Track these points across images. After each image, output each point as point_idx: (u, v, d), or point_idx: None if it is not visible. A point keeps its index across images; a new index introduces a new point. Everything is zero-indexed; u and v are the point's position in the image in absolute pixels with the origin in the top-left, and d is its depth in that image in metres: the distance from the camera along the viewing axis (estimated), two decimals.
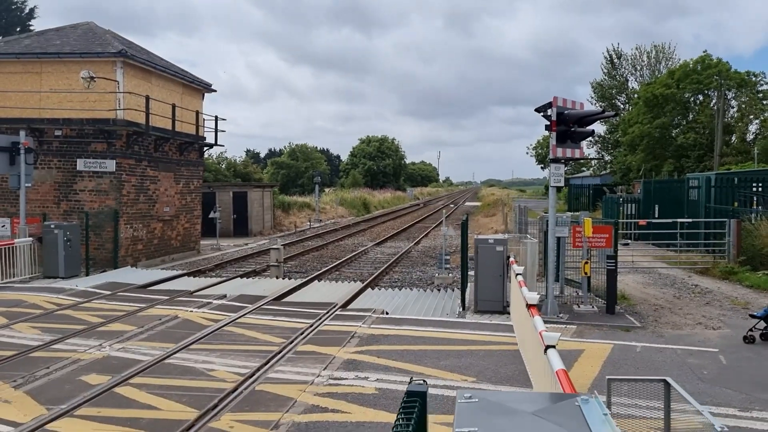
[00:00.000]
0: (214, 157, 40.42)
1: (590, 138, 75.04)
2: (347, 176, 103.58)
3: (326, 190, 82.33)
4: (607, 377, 3.73)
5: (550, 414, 2.80)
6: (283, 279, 18.81)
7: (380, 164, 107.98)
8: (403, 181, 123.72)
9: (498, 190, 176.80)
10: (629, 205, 29.53)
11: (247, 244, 30.12)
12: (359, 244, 30.13)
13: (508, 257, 12.64)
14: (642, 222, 21.27)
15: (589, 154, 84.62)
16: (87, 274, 18.35)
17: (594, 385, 7.87)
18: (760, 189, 22.06)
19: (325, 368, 9.15)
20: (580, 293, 13.67)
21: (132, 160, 20.30)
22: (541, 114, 11.91)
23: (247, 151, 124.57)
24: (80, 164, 19.73)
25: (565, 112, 11.82)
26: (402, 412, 2.03)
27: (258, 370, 9.11)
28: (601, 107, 71.19)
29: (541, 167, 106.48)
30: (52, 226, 17.65)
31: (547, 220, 13.44)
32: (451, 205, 79.85)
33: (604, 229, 13.36)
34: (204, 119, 25.08)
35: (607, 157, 70.98)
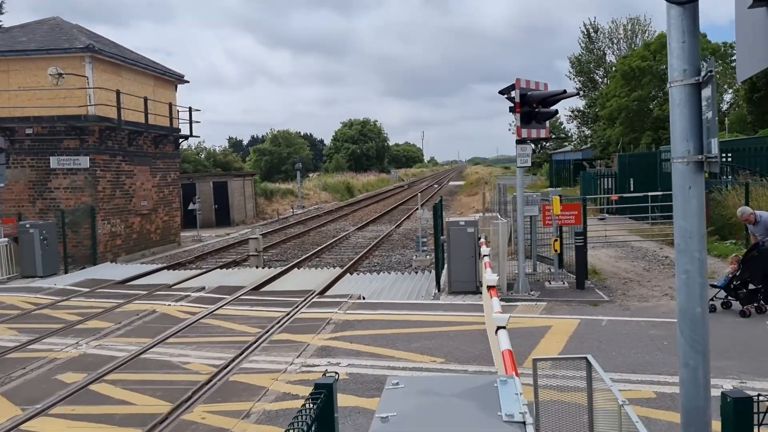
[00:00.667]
0: (194, 147, 40.31)
1: (571, 113, 75.04)
2: (331, 161, 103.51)
3: (310, 175, 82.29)
4: (533, 358, 3.92)
5: (469, 396, 2.99)
6: (263, 268, 18.94)
7: (363, 147, 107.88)
8: (387, 163, 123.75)
9: (483, 168, 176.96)
10: (606, 179, 29.87)
11: (228, 234, 30.16)
12: (341, 229, 30.28)
13: (479, 238, 12.84)
14: (614, 197, 21.60)
15: (569, 130, 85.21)
16: (66, 272, 18.38)
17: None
18: (730, 159, 22.40)
19: (298, 356, 9.33)
20: (553, 270, 13.93)
21: (106, 156, 20.26)
22: (505, 96, 12.06)
23: (230, 139, 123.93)
24: (54, 162, 19.67)
25: (528, 93, 11.97)
26: (305, 404, 2.19)
27: (232, 361, 9.27)
28: (579, 81, 71.65)
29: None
30: (28, 225, 17.63)
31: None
32: (435, 185, 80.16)
33: (573, 206, 13.60)
34: (178, 111, 25.00)
35: (587, 132, 71.38)
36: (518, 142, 12.38)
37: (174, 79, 24.61)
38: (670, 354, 8.24)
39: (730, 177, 21.50)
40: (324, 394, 2.25)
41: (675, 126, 3.21)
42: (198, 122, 27.90)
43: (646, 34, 64.59)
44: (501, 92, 12.14)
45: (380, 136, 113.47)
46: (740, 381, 7.35)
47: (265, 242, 25.99)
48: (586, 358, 3.67)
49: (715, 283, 10.63)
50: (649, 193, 18.95)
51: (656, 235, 18.89)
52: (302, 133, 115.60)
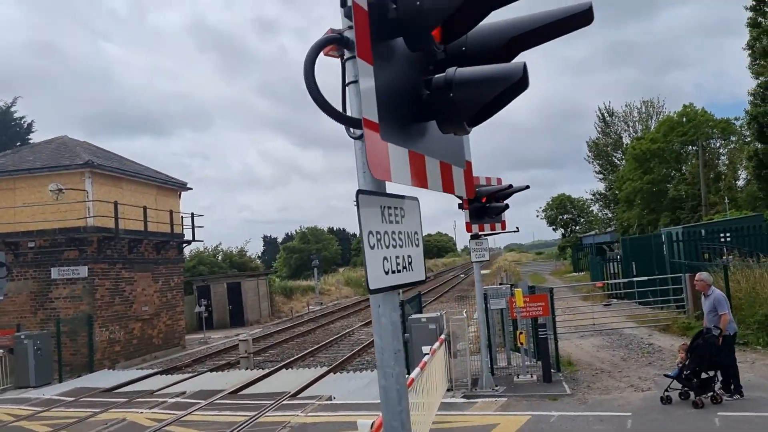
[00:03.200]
0: (210, 249, 41.31)
1: (593, 196, 74.68)
2: (359, 254, 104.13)
3: (340, 270, 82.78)
4: None
5: None
6: (253, 369, 18.98)
7: None
8: None
9: (517, 254, 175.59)
10: (612, 263, 29.50)
11: (238, 335, 30.29)
12: (347, 326, 30.23)
13: (441, 335, 12.79)
14: (599, 284, 21.30)
15: (595, 212, 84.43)
16: (60, 381, 18.68)
17: None
18: (728, 239, 22.05)
19: None
20: (528, 362, 13.68)
21: (105, 264, 21.00)
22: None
23: (265, 238, 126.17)
24: (54, 273, 20.46)
25: (477, 189, 12.23)
26: None
27: None
28: (597, 165, 72.00)
29: (553, 229, 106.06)
30: (23, 336, 18.16)
31: (484, 293, 13.64)
32: (462, 275, 79.62)
33: (540, 297, 13.52)
34: (182, 217, 25.92)
35: (609, 214, 70.95)
36: (472, 237, 12.54)
37: (177, 187, 25.71)
38: None
39: (730, 258, 21.11)
40: None
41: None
42: (201, 227, 28.80)
43: (660, 116, 65.17)
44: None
45: None
46: None
47: (267, 342, 26.15)
48: None
49: (669, 374, 10.35)
50: (635, 278, 18.67)
51: (649, 321, 18.45)
52: (334, 228, 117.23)
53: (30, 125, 40.24)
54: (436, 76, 2.98)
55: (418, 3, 2.63)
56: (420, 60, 3.01)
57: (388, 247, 3.07)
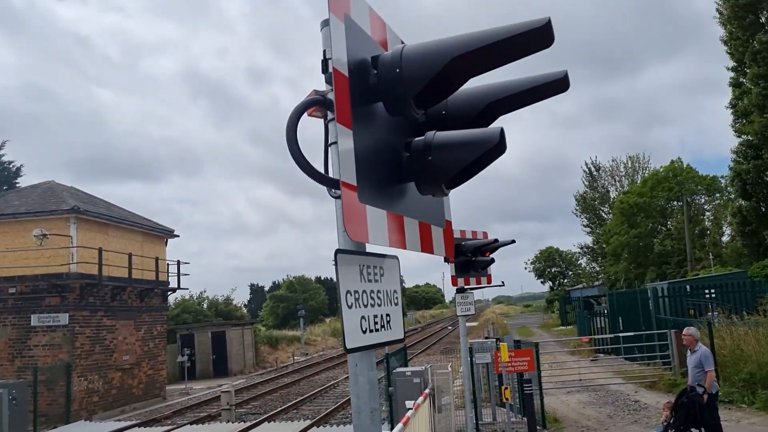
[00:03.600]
0: (195, 297, 40.89)
1: (581, 249, 74.88)
2: None
3: (327, 320, 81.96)
4: None
5: None
6: (235, 422, 18.57)
7: None
8: (406, 305, 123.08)
9: (505, 306, 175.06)
10: (600, 318, 29.44)
11: (221, 386, 29.75)
12: (333, 378, 29.76)
13: (425, 389, 12.63)
14: (584, 339, 21.23)
15: (583, 265, 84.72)
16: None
17: None
18: (713, 296, 22.14)
19: None
20: (513, 418, 13.49)
21: (86, 312, 20.71)
22: None
23: (251, 286, 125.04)
24: (34, 320, 20.13)
25: (462, 243, 12.28)
26: None
27: None
28: (585, 218, 72.67)
29: (541, 282, 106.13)
30: None
31: (469, 347, 13.56)
32: (449, 327, 79.00)
33: (525, 352, 13.43)
34: (168, 264, 25.73)
35: (597, 268, 71.21)
36: (458, 291, 12.53)
37: (163, 234, 25.60)
38: None
39: (715, 314, 21.14)
40: None
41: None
42: (186, 275, 28.59)
43: (646, 171, 66.16)
44: None
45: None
46: None
47: (251, 393, 25.68)
48: None
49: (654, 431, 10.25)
50: (621, 334, 18.63)
51: (636, 377, 18.33)
52: (322, 278, 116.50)
53: (18, 169, 40.22)
54: (416, 139, 3.05)
55: (397, 71, 2.71)
56: (401, 123, 3.08)
57: (366, 306, 3.07)
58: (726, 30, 34.72)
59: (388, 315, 3.34)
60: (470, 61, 2.68)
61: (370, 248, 3.02)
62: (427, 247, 3.42)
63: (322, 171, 2.86)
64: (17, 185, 39.85)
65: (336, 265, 2.81)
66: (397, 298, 3.57)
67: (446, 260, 12.45)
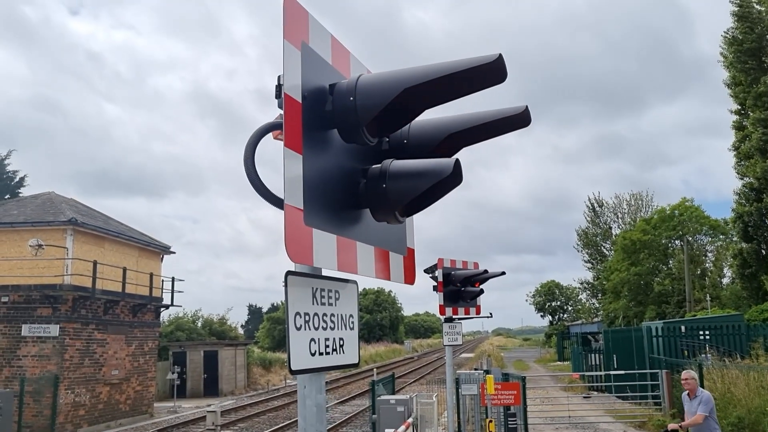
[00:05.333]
0: (189, 315, 40.75)
1: (581, 284, 74.61)
2: None
3: None
4: None
5: None
6: None
7: (377, 317, 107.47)
8: (404, 333, 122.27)
9: (504, 338, 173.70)
10: (594, 354, 29.21)
11: (210, 405, 29.49)
12: None
13: (409, 417, 12.54)
14: (575, 375, 21.06)
15: (583, 301, 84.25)
16: None
17: None
18: (707, 337, 21.99)
19: None
20: None
21: (78, 324, 20.67)
22: (429, 275, 12.39)
23: (250, 306, 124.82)
24: (25, 330, 20.11)
25: (452, 273, 12.29)
26: None
27: None
28: (587, 254, 72.40)
29: (541, 315, 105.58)
30: None
31: (456, 378, 13.49)
32: (444, 358, 78.40)
33: (512, 385, 13.35)
34: (162, 281, 25.74)
35: (597, 304, 70.80)
36: (446, 320, 12.52)
37: (159, 250, 25.65)
38: None
39: (708, 356, 20.98)
40: None
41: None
42: (181, 292, 28.62)
43: (649, 209, 66.05)
44: (426, 271, 12.49)
45: (394, 306, 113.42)
46: None
47: (239, 414, 25.50)
48: None
49: None
50: (612, 372, 18.49)
51: (625, 417, 18.14)
52: None
53: (22, 179, 40.47)
54: (373, 166, 3.09)
55: (351, 99, 2.77)
56: (360, 150, 3.13)
57: (317, 328, 3.10)
58: (730, 73, 35.02)
59: (341, 339, 3.35)
60: (422, 92, 2.73)
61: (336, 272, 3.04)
62: (383, 273, 3.45)
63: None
64: (19, 194, 40.08)
65: (286, 286, 2.85)
66: (353, 322, 3.59)
67: (435, 289, 12.47)
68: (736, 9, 34.01)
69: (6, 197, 37.71)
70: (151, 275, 24.58)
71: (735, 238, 41.24)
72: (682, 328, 22.55)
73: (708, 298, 34.51)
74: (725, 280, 47.07)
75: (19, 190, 39.63)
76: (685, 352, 21.99)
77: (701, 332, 22.19)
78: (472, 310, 12.89)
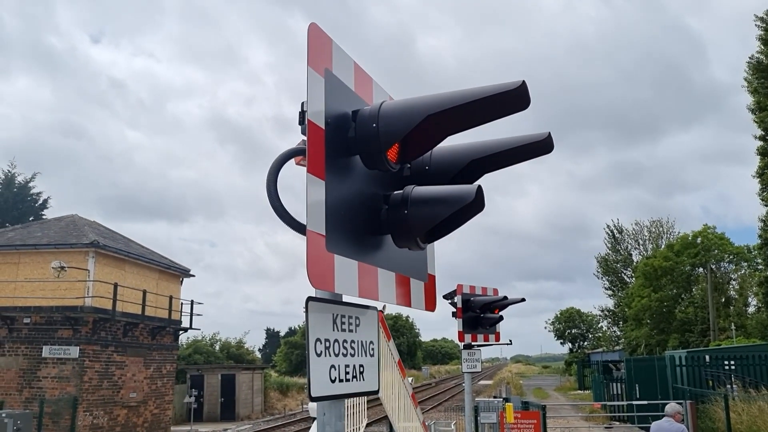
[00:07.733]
0: (207, 338, 40.84)
1: (601, 312, 73.84)
2: None
3: None
4: None
5: None
6: None
7: (395, 342, 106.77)
8: (422, 359, 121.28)
9: (523, 366, 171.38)
10: (616, 384, 28.69)
11: (226, 430, 29.43)
12: None
13: None
14: (596, 405, 20.67)
15: (604, 329, 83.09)
16: None
17: None
18: (733, 367, 21.51)
19: None
20: None
21: (97, 346, 20.79)
22: (449, 302, 12.30)
23: (267, 330, 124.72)
24: (45, 351, 20.26)
25: (471, 299, 12.20)
26: None
27: None
28: (607, 281, 71.53)
29: (561, 343, 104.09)
30: (4, 414, 17.68)
31: (475, 405, 13.31)
32: (463, 384, 77.48)
33: (532, 414, 13.17)
34: (181, 303, 25.85)
35: (618, 332, 69.75)
36: (465, 347, 12.39)
37: (179, 273, 25.80)
38: None
39: (733, 386, 20.52)
40: None
41: None
42: (200, 315, 28.68)
43: (670, 236, 65.20)
44: (445, 297, 12.41)
45: (412, 331, 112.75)
46: None
47: None
48: None
49: None
50: (635, 402, 18.12)
51: None
52: None
53: (45, 201, 41.11)
54: (395, 192, 3.09)
55: (374, 125, 2.78)
56: (382, 176, 3.12)
57: (337, 355, 3.07)
58: (754, 99, 34.69)
59: (361, 366, 3.32)
60: (445, 119, 2.74)
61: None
62: (404, 300, 3.42)
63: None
64: (43, 216, 40.68)
65: (306, 312, 2.83)
66: (373, 349, 3.55)
67: (454, 315, 12.37)
68: (762, 33, 33.77)
69: (30, 219, 38.29)
70: (171, 298, 24.72)
71: (761, 266, 40.53)
72: (707, 357, 22.11)
73: (733, 326, 33.82)
74: (750, 309, 46.16)
75: (43, 213, 40.25)
76: (710, 382, 21.53)
77: (726, 362, 21.72)
78: (492, 337, 12.76)
